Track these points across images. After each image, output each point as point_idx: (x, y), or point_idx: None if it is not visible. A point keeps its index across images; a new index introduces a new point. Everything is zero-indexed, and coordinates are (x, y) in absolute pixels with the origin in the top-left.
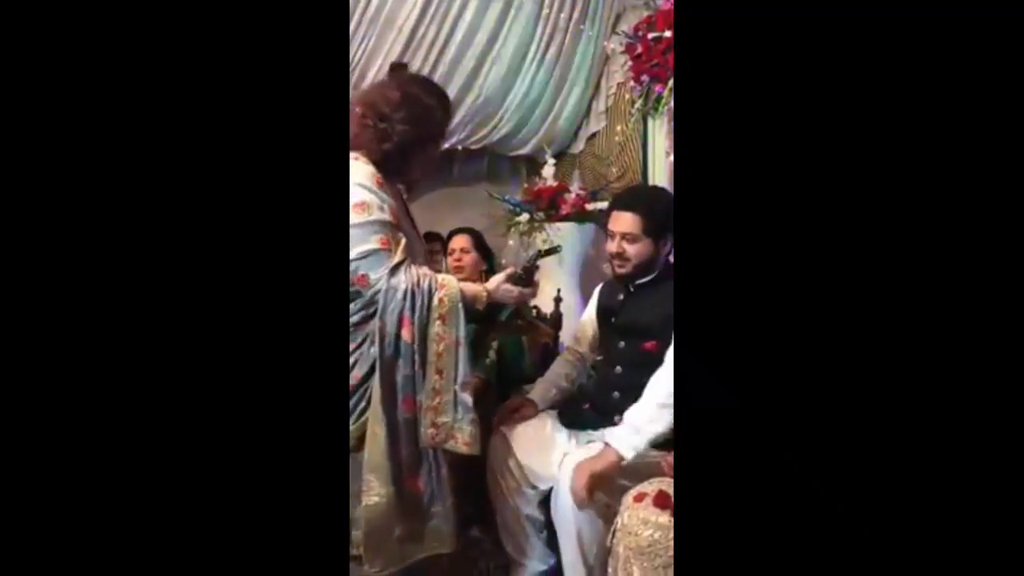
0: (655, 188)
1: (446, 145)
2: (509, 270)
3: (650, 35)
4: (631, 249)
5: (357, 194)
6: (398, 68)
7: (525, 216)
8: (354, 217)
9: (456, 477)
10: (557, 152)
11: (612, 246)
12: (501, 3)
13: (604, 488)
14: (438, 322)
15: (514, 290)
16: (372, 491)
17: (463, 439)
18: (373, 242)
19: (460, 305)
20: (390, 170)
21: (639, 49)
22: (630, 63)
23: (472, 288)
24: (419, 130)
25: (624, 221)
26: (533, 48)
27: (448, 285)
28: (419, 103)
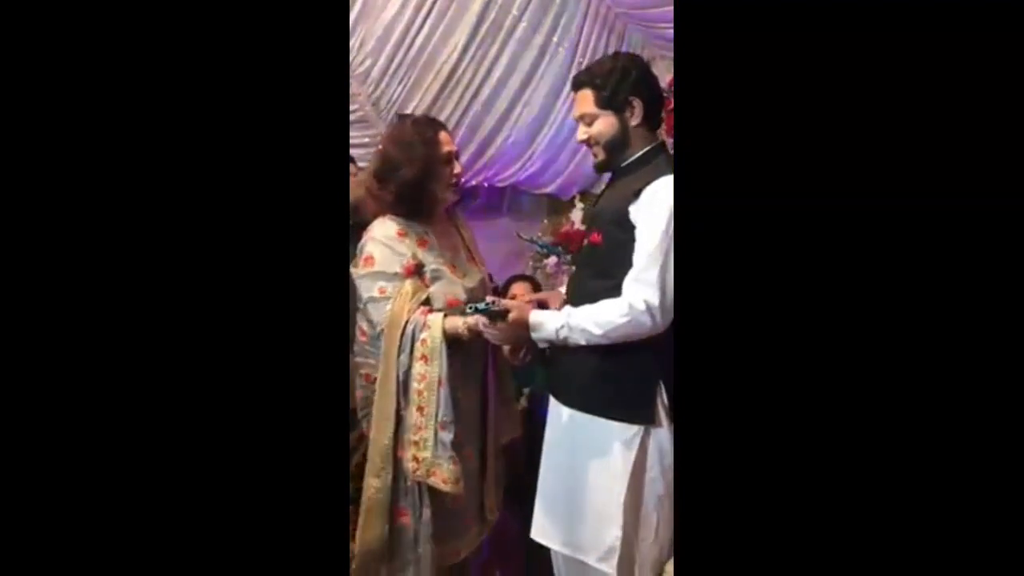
0: (611, 56)
1: (473, 181)
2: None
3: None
4: (592, 130)
5: (369, 248)
6: (401, 118)
7: (553, 259)
8: (362, 269)
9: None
10: (581, 191)
11: (579, 134)
12: (535, 52)
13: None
14: (420, 361)
15: (488, 326)
16: (370, 526)
17: (442, 476)
18: (373, 291)
19: (443, 346)
20: (407, 212)
21: (672, 104)
22: (664, 116)
23: (452, 323)
24: (412, 168)
25: (580, 102)
26: (564, 94)
27: (432, 326)
28: (405, 142)
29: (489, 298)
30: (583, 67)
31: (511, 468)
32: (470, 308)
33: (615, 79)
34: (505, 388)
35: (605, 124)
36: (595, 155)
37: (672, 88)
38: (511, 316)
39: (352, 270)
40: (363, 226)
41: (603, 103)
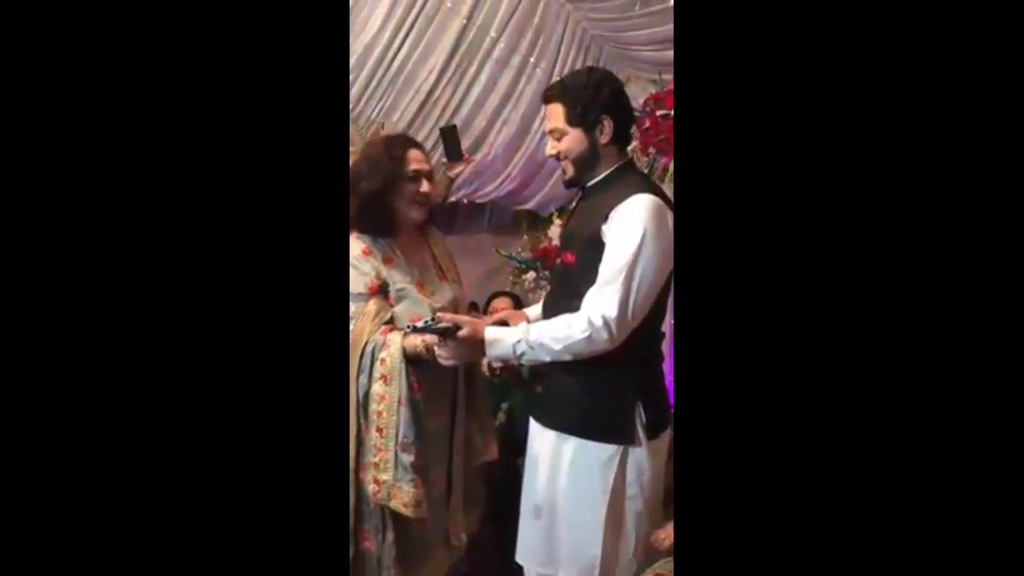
0: (585, 71)
1: (453, 198)
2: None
3: (658, 112)
4: (561, 145)
5: None
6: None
7: (531, 274)
8: None
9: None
10: (559, 208)
11: (548, 148)
12: (513, 72)
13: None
14: (380, 382)
15: (439, 344)
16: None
17: (402, 499)
18: None
19: (402, 365)
20: (370, 227)
21: (647, 123)
22: (638, 135)
23: (411, 342)
24: (371, 183)
25: (551, 116)
26: (542, 113)
27: (392, 345)
28: (372, 158)
29: (434, 315)
30: (557, 80)
31: (490, 489)
32: (409, 327)
33: (587, 96)
34: (478, 408)
35: (574, 141)
36: (564, 171)
37: (645, 108)
38: (462, 333)
39: None
40: None
41: (574, 120)
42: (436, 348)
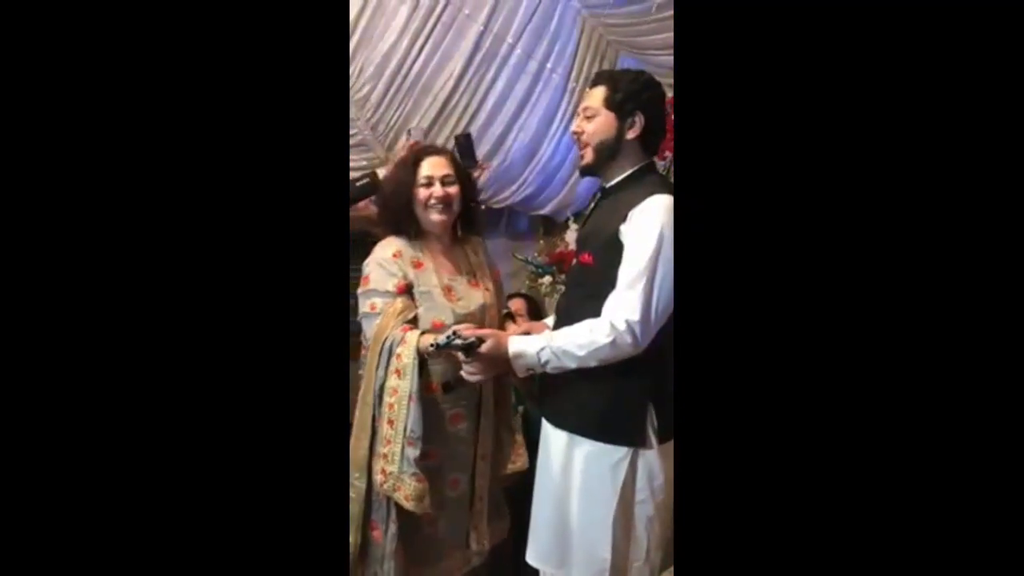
0: (636, 71)
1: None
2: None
3: (674, 116)
4: (589, 126)
5: (367, 269)
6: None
7: (548, 278)
8: (360, 288)
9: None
10: (575, 213)
11: (575, 124)
12: (530, 78)
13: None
14: (394, 375)
15: (465, 361)
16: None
17: (405, 492)
18: (366, 307)
19: (415, 362)
20: (393, 229)
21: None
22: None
23: (426, 342)
24: (389, 185)
25: (590, 96)
26: (558, 118)
27: (408, 342)
28: (393, 165)
29: (452, 329)
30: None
31: (512, 496)
32: (433, 346)
33: (632, 88)
34: (505, 413)
35: (603, 124)
36: (583, 156)
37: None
38: (485, 347)
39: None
40: (373, 244)
41: (610, 104)
42: (463, 365)
